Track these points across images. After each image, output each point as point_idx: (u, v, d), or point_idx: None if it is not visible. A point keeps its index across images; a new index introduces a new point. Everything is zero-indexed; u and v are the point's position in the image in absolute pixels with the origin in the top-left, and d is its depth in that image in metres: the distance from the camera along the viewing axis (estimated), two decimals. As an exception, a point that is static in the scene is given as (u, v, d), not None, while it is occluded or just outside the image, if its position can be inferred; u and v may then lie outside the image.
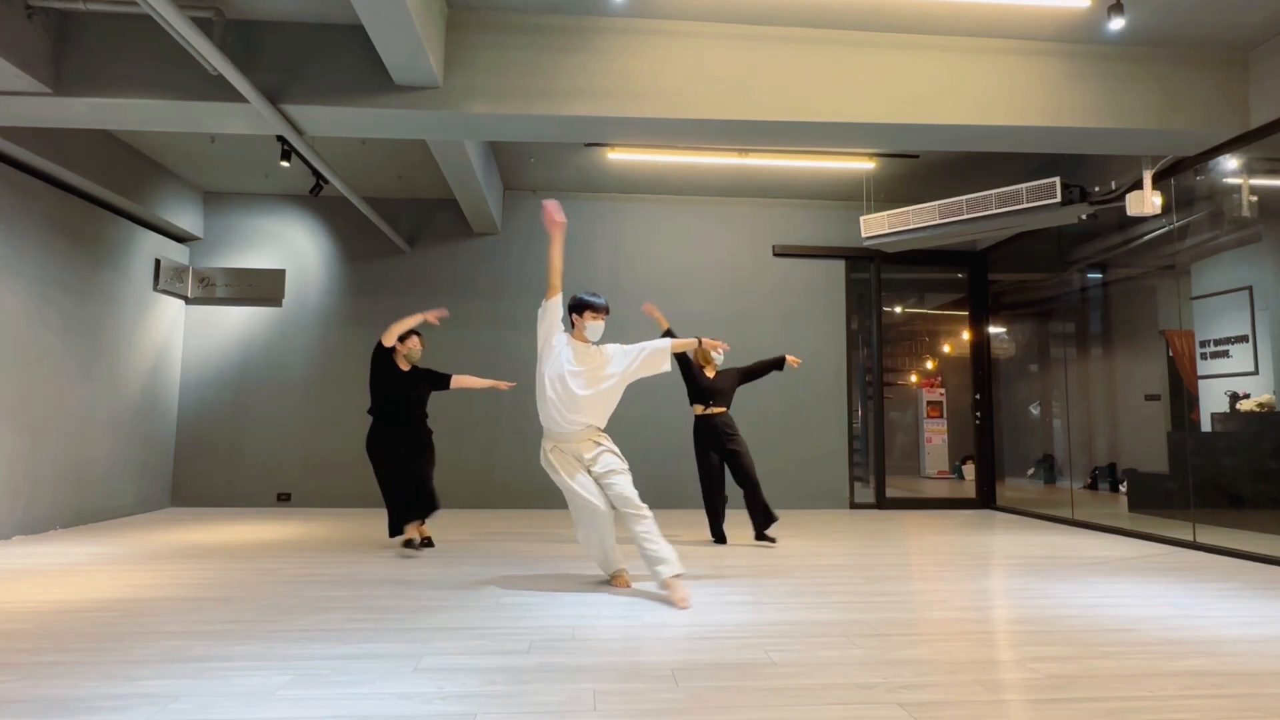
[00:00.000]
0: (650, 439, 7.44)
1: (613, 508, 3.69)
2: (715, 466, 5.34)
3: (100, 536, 5.38)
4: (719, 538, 5.36)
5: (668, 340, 3.92)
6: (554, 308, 3.80)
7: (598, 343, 3.85)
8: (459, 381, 5.03)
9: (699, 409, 5.39)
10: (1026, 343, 8.65)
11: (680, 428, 7.52)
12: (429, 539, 4.92)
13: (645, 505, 3.64)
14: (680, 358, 5.32)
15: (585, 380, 3.70)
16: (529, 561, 4.49)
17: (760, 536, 5.34)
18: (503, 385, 5.16)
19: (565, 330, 3.88)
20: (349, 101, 4.54)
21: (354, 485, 7.27)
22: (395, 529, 4.82)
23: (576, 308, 3.87)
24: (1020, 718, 2.13)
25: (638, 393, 7.51)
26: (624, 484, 3.66)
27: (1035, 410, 7.63)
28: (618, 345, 3.88)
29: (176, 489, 7.25)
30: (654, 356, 3.81)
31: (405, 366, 4.95)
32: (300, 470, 7.31)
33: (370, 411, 4.94)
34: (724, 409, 5.37)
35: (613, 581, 3.86)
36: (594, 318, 3.82)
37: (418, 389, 4.96)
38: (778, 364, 5.48)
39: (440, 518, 6.55)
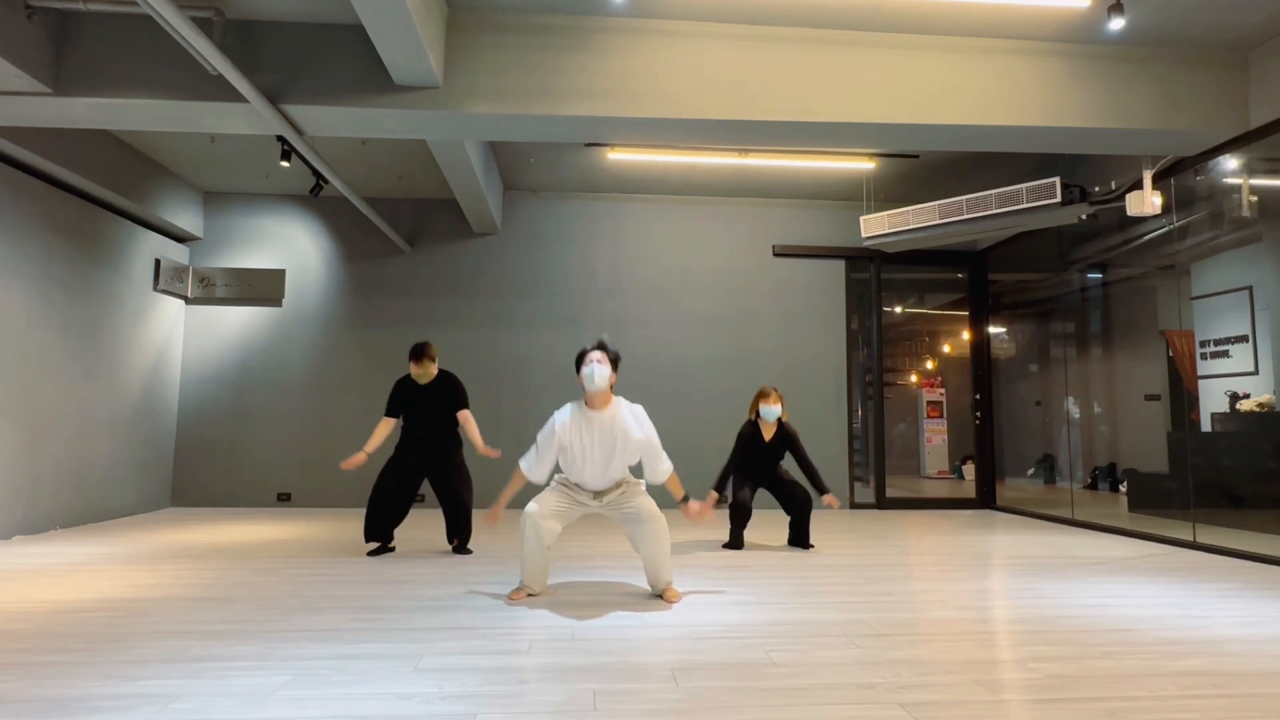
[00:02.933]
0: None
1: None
2: (745, 485, 5.06)
3: (100, 536, 5.38)
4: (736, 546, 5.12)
5: (669, 471, 3.53)
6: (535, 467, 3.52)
7: (600, 390, 3.39)
8: (466, 422, 4.80)
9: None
10: (1026, 343, 8.65)
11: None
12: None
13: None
14: (740, 440, 5.08)
15: (599, 450, 3.38)
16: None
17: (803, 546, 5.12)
18: (491, 453, 4.67)
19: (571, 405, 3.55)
20: (349, 101, 4.54)
21: (354, 485, 7.27)
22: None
23: (577, 364, 3.49)
24: (1020, 718, 2.13)
25: (647, 394, 7.52)
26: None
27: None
28: (636, 420, 3.44)
29: (176, 489, 7.24)
30: (655, 468, 3.50)
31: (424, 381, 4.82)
32: (300, 470, 7.31)
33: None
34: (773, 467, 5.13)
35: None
36: (597, 360, 3.38)
37: (435, 400, 4.79)
38: (818, 487, 4.96)
39: (440, 519, 6.56)
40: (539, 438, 3.50)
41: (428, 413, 4.76)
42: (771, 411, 5.04)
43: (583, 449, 3.37)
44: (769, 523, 6.48)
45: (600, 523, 6.34)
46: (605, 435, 3.37)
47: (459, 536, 4.77)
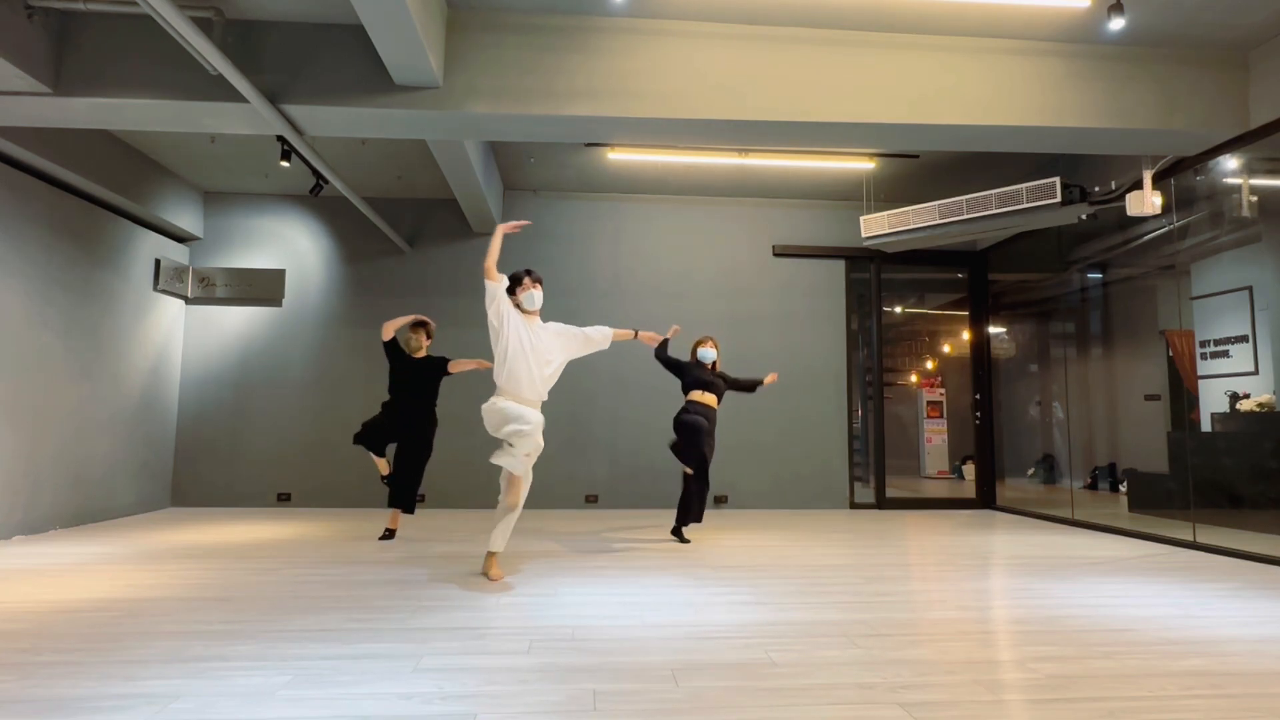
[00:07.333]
0: (640, 438, 7.46)
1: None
2: (699, 431, 5.30)
3: (100, 536, 5.38)
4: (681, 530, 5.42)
5: (608, 329, 4.34)
6: (500, 290, 4.03)
7: (536, 312, 4.12)
8: (456, 365, 5.37)
9: (696, 394, 5.44)
10: (1026, 343, 8.64)
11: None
12: (393, 531, 5.36)
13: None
14: (669, 358, 5.52)
15: (533, 358, 4.00)
16: (529, 561, 4.50)
17: (677, 531, 5.42)
18: (485, 364, 5.25)
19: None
20: (349, 101, 4.54)
21: (354, 485, 7.28)
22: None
23: (515, 280, 4.10)
24: (1020, 718, 2.13)
25: (648, 394, 7.52)
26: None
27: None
28: (557, 325, 4.19)
29: (176, 489, 7.24)
30: (595, 338, 4.24)
31: (416, 355, 5.43)
32: (300, 470, 7.31)
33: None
34: (715, 403, 5.46)
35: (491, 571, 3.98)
36: (532, 286, 4.08)
37: (420, 375, 5.36)
38: (756, 382, 5.74)
39: (440, 518, 6.57)
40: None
41: (416, 384, 5.35)
42: (707, 354, 5.54)
43: (529, 338, 4.00)
44: (763, 525, 6.49)
45: (599, 523, 6.34)
46: (538, 334, 4.07)
47: (404, 505, 5.23)
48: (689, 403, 5.43)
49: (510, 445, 3.86)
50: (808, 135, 4.96)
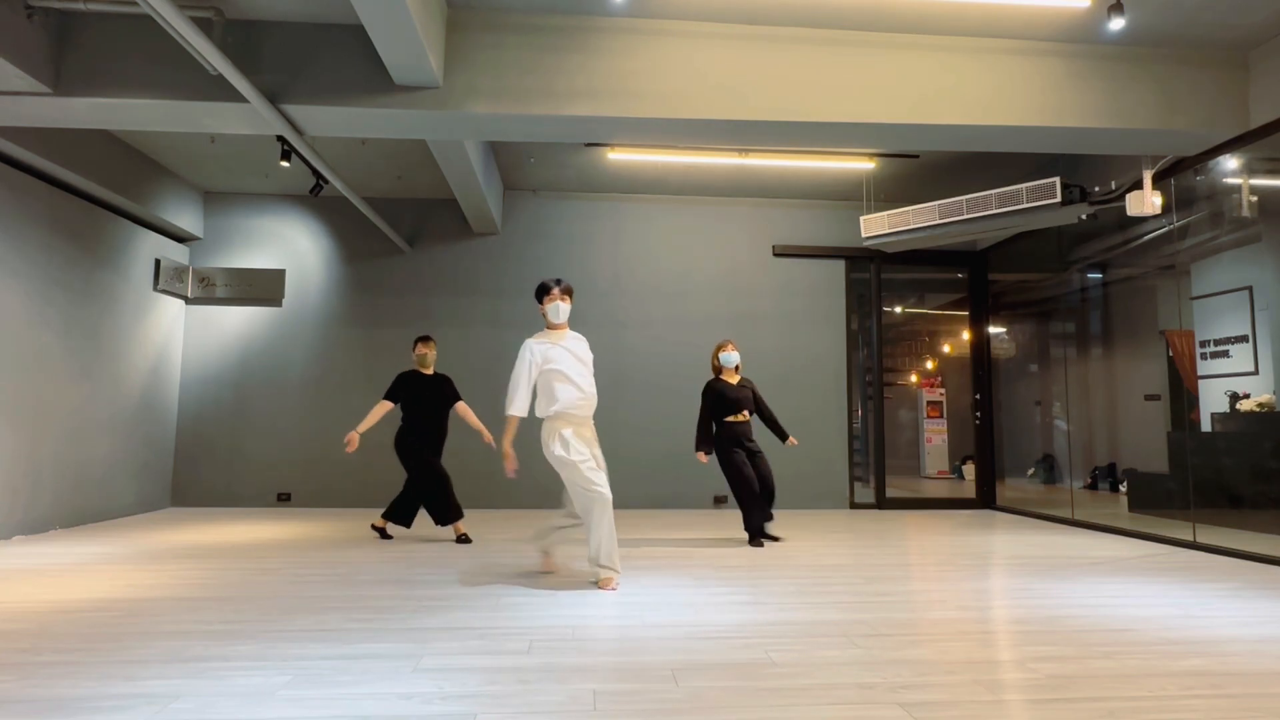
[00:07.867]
0: (639, 438, 7.46)
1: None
2: (745, 463, 5.20)
3: (100, 536, 5.38)
4: (759, 538, 5.24)
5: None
6: (520, 393, 3.83)
7: (563, 325, 3.98)
8: (465, 411, 5.31)
9: (734, 416, 5.30)
10: (1026, 343, 8.64)
11: (686, 432, 7.51)
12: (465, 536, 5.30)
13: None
14: (705, 419, 5.34)
15: (585, 370, 3.91)
16: (529, 561, 4.50)
17: (765, 535, 5.37)
18: (487, 437, 5.17)
19: (535, 337, 3.97)
20: (349, 101, 4.54)
21: (354, 485, 7.28)
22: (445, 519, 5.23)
23: (543, 290, 3.98)
24: (1020, 718, 2.13)
25: (648, 393, 7.53)
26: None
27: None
28: (583, 341, 4.03)
29: (176, 489, 7.24)
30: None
31: (427, 371, 5.41)
32: (300, 470, 7.31)
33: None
34: (747, 418, 5.34)
35: (601, 583, 3.80)
36: (559, 297, 3.94)
37: (440, 391, 5.35)
38: (780, 434, 5.48)
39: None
40: (515, 375, 3.84)
41: (433, 401, 5.29)
42: (730, 358, 5.37)
43: (565, 355, 3.85)
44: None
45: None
46: (573, 346, 3.93)
47: (406, 520, 5.30)
48: (732, 427, 5.25)
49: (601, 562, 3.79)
50: (808, 135, 4.96)
